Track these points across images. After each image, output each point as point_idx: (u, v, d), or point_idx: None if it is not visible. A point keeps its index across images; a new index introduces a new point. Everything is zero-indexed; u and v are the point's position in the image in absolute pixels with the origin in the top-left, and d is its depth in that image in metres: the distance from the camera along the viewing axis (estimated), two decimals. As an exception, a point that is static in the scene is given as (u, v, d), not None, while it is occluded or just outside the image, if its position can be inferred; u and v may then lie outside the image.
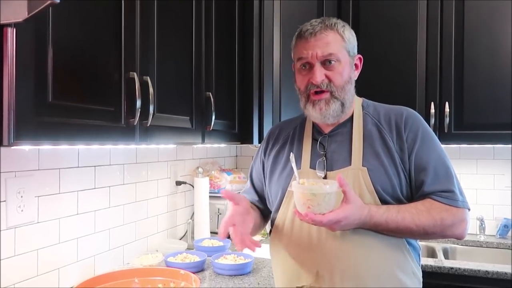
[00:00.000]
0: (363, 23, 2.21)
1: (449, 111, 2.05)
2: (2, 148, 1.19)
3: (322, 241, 1.11)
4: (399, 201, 1.12)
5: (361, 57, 1.23)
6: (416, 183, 1.12)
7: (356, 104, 1.23)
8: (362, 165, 1.12)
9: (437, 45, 2.09)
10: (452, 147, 2.34)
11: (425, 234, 1.07)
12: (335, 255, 1.10)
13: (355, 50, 1.21)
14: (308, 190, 0.99)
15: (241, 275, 1.64)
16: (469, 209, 1.11)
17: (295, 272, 1.15)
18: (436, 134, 2.03)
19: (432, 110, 2.06)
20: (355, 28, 2.18)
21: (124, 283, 1.32)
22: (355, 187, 1.10)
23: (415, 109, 2.01)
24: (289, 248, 1.18)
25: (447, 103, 2.05)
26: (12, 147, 0.92)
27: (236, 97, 2.00)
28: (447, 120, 2.05)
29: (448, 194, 1.08)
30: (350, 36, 1.19)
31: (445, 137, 2.06)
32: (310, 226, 1.08)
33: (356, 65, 1.22)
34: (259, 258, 1.81)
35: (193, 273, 1.38)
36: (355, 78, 1.22)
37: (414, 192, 1.13)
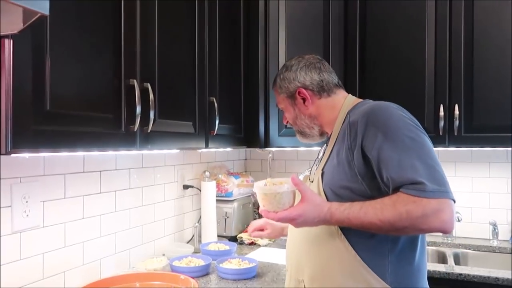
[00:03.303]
0: (370, 24, 2.18)
1: (459, 114, 2.01)
2: (6, 155, 1.22)
3: (297, 240, 1.24)
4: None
5: (301, 89, 1.31)
6: (382, 180, 1.08)
7: (342, 112, 1.27)
8: (322, 169, 1.22)
9: (446, 46, 2.05)
10: (464, 150, 2.29)
11: (395, 229, 1.04)
12: (305, 256, 1.22)
13: (291, 88, 1.32)
14: (261, 190, 1.09)
15: (245, 279, 1.64)
16: (452, 200, 1.02)
17: (288, 267, 1.31)
18: (445, 137, 2.03)
19: (442, 113, 2.02)
20: (362, 29, 2.18)
21: (126, 287, 1.34)
22: (316, 188, 1.19)
23: (423, 112, 2.04)
24: (288, 243, 1.33)
25: (456, 105, 2.01)
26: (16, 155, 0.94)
27: (241, 101, 2.00)
28: (456, 122, 2.00)
29: (416, 186, 1.01)
30: (281, 80, 1.35)
31: (455, 140, 2.02)
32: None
33: (302, 97, 1.31)
34: (263, 262, 1.80)
35: (198, 277, 1.39)
36: (311, 107, 1.31)
37: (387, 189, 1.08)
